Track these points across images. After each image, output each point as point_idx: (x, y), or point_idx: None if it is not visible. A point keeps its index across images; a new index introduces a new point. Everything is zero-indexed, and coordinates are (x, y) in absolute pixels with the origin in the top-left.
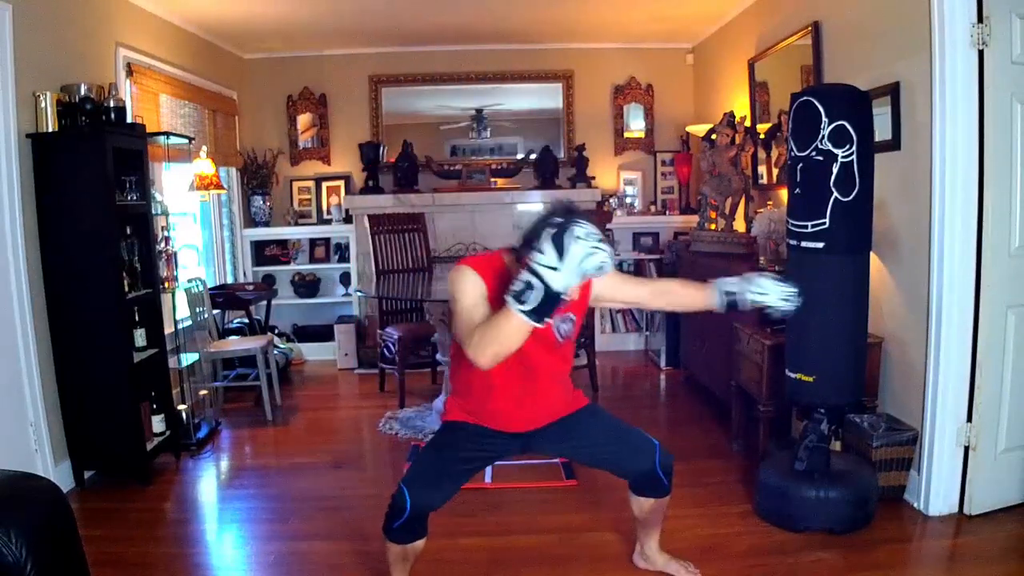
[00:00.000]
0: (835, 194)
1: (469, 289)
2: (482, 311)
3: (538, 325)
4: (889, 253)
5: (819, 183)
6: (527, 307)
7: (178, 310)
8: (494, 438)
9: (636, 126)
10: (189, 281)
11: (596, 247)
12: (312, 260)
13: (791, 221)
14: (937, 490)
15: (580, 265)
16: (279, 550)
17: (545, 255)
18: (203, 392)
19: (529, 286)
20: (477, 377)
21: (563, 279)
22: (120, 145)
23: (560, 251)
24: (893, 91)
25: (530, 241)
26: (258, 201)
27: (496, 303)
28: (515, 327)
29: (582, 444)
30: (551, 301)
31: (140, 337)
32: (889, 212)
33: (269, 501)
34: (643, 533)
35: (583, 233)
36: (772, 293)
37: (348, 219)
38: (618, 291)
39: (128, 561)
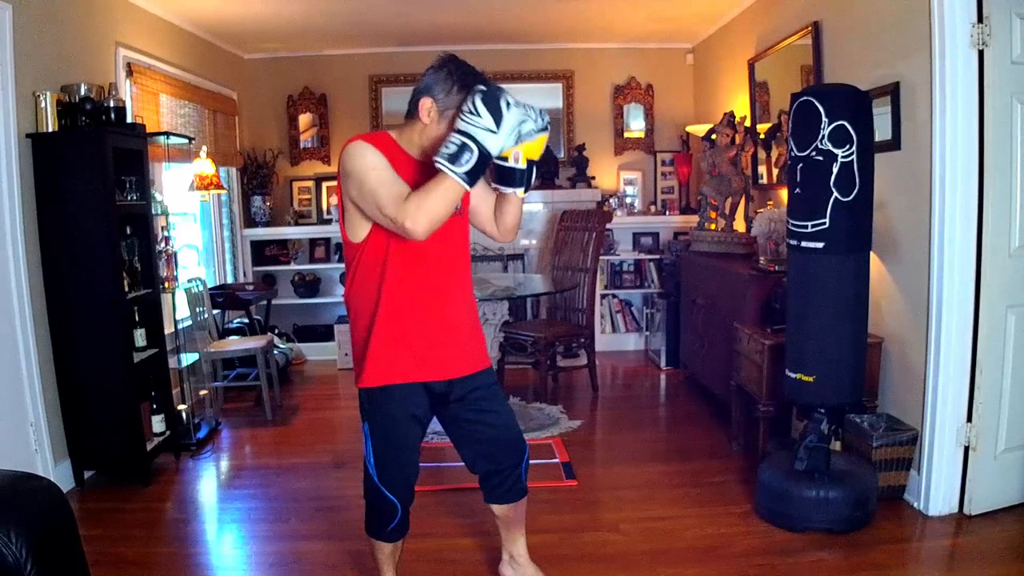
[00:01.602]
0: (835, 194)
1: (375, 161)
2: (401, 183)
3: (469, 188)
4: (889, 253)
5: (819, 183)
6: (462, 169)
7: (178, 310)
8: (415, 394)
9: (636, 126)
10: (189, 281)
11: (528, 113)
12: (312, 260)
13: (791, 221)
14: (937, 490)
15: (515, 127)
16: (279, 550)
17: (481, 118)
18: (203, 392)
19: (465, 148)
20: (387, 283)
21: (499, 141)
22: (120, 145)
23: (496, 115)
24: (893, 91)
25: (418, 97)
26: (258, 201)
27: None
28: (449, 190)
29: (486, 421)
30: (484, 163)
31: (140, 337)
32: (889, 212)
33: (269, 501)
34: (508, 539)
35: (514, 100)
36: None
37: None
38: (484, 200)
39: (128, 561)
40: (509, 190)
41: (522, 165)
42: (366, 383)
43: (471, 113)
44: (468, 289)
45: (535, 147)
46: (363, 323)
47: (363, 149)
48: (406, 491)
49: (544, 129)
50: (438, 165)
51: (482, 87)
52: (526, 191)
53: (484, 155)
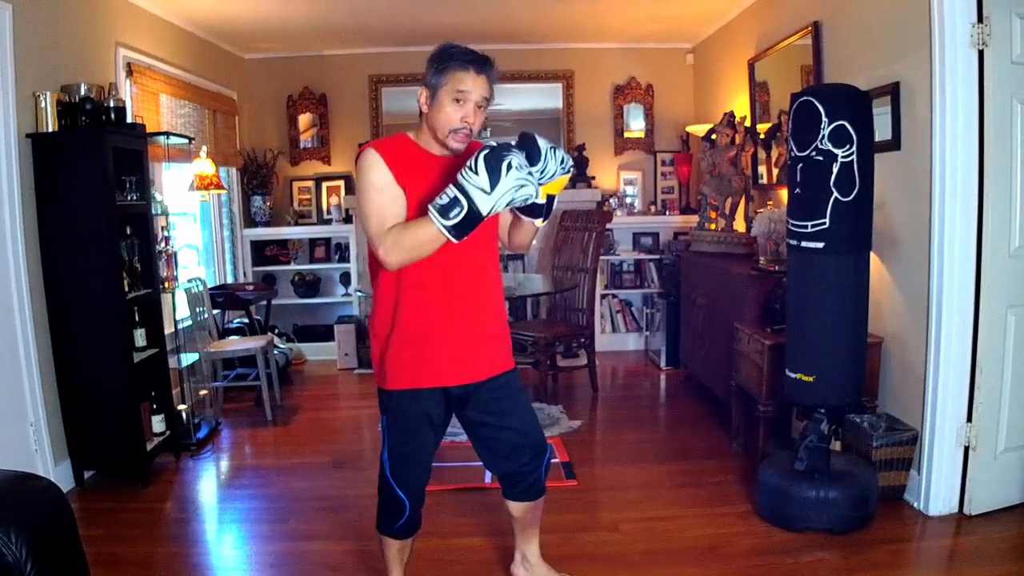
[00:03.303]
0: (835, 194)
1: (377, 179)
2: (395, 209)
3: (454, 241)
4: (889, 253)
5: (819, 183)
6: (449, 223)
7: (178, 310)
8: (433, 398)
9: (636, 126)
10: (189, 281)
11: (527, 179)
12: (312, 260)
13: (791, 221)
14: (937, 490)
15: (509, 193)
16: (279, 550)
17: (478, 176)
18: (203, 392)
19: (456, 203)
20: (406, 287)
21: (490, 203)
22: (120, 145)
23: (493, 177)
24: (893, 91)
25: (425, 80)
26: (258, 201)
27: (406, 184)
28: (431, 238)
29: (503, 423)
30: (473, 221)
31: (140, 337)
32: (889, 212)
33: (269, 501)
34: (522, 539)
35: (517, 164)
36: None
37: (348, 219)
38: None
39: (128, 561)
40: (527, 219)
41: (541, 200)
42: (385, 385)
43: (470, 169)
44: (495, 292)
45: (557, 185)
46: (384, 325)
47: (370, 161)
48: (417, 490)
49: (567, 171)
50: (429, 211)
51: (491, 145)
52: (544, 221)
53: (474, 212)
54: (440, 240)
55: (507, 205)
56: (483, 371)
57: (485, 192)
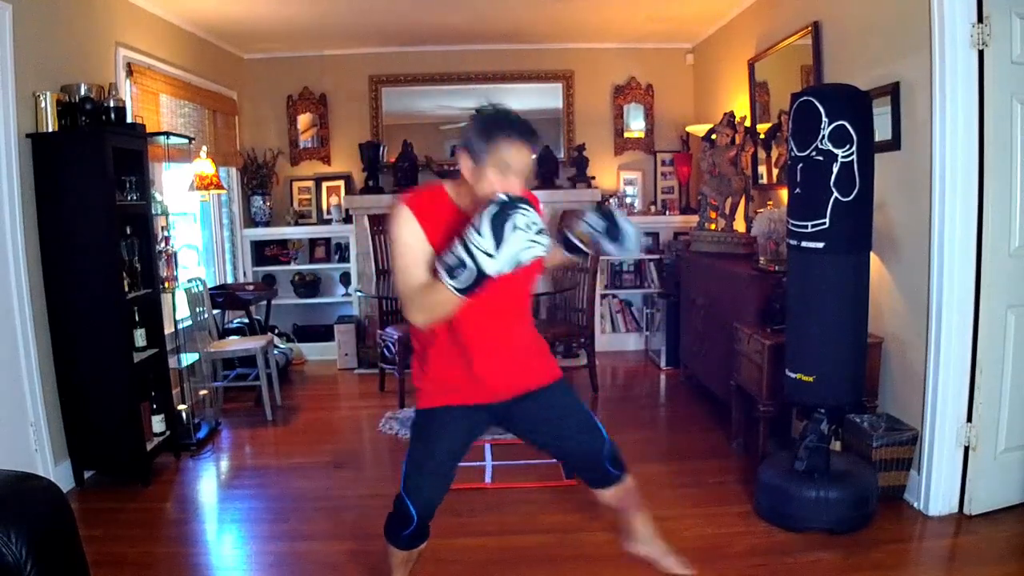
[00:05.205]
0: (835, 194)
1: (408, 237)
2: (420, 270)
3: (463, 299)
4: (889, 253)
5: (819, 183)
6: (457, 285)
7: (178, 310)
8: (471, 415)
9: (636, 126)
10: (189, 281)
11: (534, 240)
12: (312, 260)
13: (791, 221)
14: (937, 490)
15: (515, 256)
16: (279, 550)
17: (483, 239)
18: (203, 392)
19: (462, 264)
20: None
21: (496, 266)
22: (120, 145)
23: (498, 239)
24: (893, 91)
25: (468, 145)
26: (258, 201)
27: (437, 241)
28: (446, 298)
29: (551, 430)
30: (481, 281)
31: (140, 337)
32: (889, 212)
33: (269, 501)
34: (624, 520)
35: (524, 224)
36: (594, 223)
37: (348, 219)
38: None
39: (128, 561)
40: (569, 254)
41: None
42: (419, 405)
43: (475, 230)
44: (526, 317)
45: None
46: (421, 352)
47: (403, 221)
48: (425, 505)
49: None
50: (438, 269)
51: (496, 204)
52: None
53: (481, 274)
54: (455, 299)
55: (515, 267)
56: (516, 389)
57: (490, 255)
